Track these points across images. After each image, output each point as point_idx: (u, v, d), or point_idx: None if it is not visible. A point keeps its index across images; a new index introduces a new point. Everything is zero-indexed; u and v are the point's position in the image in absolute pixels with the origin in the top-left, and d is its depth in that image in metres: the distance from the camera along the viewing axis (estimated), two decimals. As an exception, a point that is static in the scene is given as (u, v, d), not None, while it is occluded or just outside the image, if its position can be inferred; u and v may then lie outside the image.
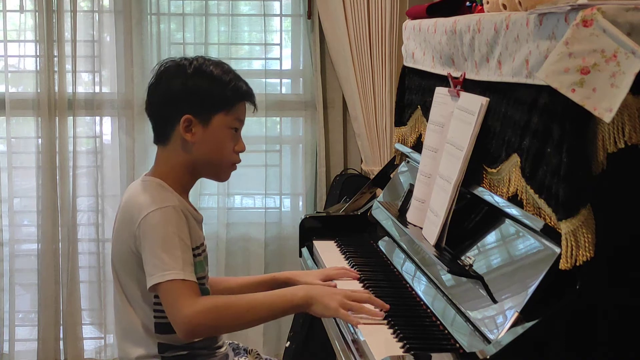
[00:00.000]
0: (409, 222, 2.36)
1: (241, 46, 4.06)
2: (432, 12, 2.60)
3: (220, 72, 2.07)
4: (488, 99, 2.04)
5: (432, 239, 2.11)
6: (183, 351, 2.06)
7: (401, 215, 2.46)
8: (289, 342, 3.65)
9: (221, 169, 2.12)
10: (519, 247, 1.83)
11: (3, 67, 3.80)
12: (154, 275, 1.94)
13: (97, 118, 3.88)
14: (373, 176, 3.31)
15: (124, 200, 2.09)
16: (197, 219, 2.10)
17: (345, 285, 2.24)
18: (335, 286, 2.22)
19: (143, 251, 1.97)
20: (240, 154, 2.11)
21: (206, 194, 3.92)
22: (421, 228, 2.27)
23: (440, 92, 2.36)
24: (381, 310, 1.99)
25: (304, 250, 2.78)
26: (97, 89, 3.86)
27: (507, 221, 1.91)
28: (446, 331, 1.89)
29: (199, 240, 2.08)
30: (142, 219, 1.97)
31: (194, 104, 2.04)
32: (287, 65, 4.03)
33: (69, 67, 3.78)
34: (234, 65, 2.19)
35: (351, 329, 1.97)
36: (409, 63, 2.80)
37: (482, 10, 2.27)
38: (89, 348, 3.95)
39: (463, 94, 2.19)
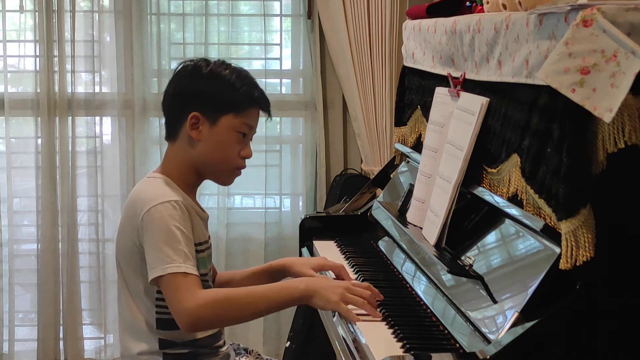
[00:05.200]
0: (409, 222, 2.36)
1: (241, 46, 4.07)
2: (432, 12, 2.60)
3: (234, 77, 2.09)
4: (488, 99, 2.04)
5: (432, 239, 2.11)
6: (184, 349, 2.06)
7: (401, 215, 2.46)
8: (289, 342, 3.64)
9: (223, 171, 2.13)
10: (519, 247, 1.83)
11: (3, 67, 3.80)
12: (156, 268, 1.95)
13: (97, 118, 3.89)
14: (373, 176, 3.31)
15: (129, 196, 2.11)
16: (203, 217, 2.12)
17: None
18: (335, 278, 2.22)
19: (145, 245, 1.98)
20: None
21: (206, 194, 3.92)
22: (421, 228, 2.27)
23: (440, 92, 2.36)
24: (378, 305, 1.99)
25: (304, 250, 2.78)
26: (97, 89, 3.86)
27: (507, 221, 1.91)
28: (446, 331, 1.89)
29: (203, 237, 2.09)
30: (145, 212, 1.98)
31: (203, 102, 2.06)
32: (287, 65, 4.03)
33: (68, 67, 3.78)
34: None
35: (351, 328, 1.97)
36: (409, 63, 2.80)
37: (482, 10, 2.27)
38: (89, 348, 3.95)
39: (463, 94, 2.19)
